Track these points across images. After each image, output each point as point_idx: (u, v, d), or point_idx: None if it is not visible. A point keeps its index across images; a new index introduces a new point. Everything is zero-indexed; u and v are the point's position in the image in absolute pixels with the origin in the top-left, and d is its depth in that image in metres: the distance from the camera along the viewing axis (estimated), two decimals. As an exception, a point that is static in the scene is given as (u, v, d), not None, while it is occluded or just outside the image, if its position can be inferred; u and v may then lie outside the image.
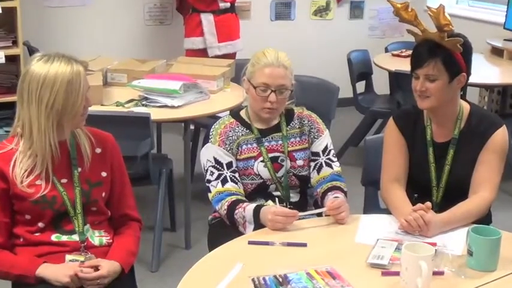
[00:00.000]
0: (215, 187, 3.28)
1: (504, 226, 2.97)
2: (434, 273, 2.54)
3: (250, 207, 3.15)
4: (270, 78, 3.30)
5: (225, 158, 3.31)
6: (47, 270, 2.76)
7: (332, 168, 3.43)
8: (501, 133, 3.23)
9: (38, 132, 2.78)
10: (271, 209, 3.03)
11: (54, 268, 2.77)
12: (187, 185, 4.94)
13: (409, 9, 3.26)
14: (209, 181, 3.31)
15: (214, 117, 4.57)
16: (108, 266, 2.82)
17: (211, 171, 3.31)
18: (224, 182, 3.28)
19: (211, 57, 6.78)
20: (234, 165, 3.33)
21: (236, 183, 3.30)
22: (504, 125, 3.27)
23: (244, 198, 3.27)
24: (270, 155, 3.36)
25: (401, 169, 3.32)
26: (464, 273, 2.61)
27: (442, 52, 3.16)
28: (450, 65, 3.18)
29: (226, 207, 3.22)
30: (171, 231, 5.16)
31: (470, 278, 2.57)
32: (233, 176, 3.30)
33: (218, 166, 3.31)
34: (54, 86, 2.74)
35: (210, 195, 3.31)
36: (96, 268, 2.79)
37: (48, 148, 2.80)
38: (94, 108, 4.38)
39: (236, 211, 3.18)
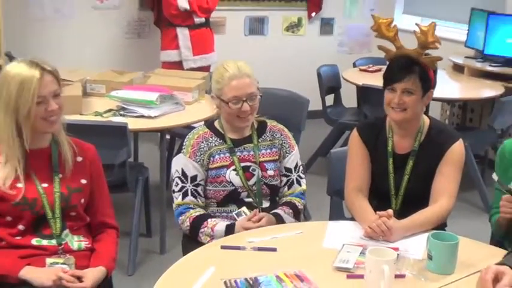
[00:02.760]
0: (176, 199, 3.34)
1: (462, 232, 3.00)
2: (396, 276, 2.57)
3: (220, 227, 3.22)
4: (238, 90, 3.31)
5: (191, 171, 3.34)
6: (30, 273, 2.77)
7: (300, 185, 3.51)
8: (458, 146, 3.30)
9: (1, 131, 2.84)
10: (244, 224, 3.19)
11: (38, 271, 2.78)
12: (162, 193, 4.96)
13: (392, 26, 3.31)
14: (173, 191, 3.37)
15: (189, 128, 4.58)
16: (93, 277, 2.84)
17: (177, 182, 3.35)
18: (184, 195, 3.33)
19: (187, 69, 6.83)
20: (199, 178, 3.35)
21: (195, 197, 3.34)
22: (461, 139, 3.34)
23: (203, 211, 3.34)
24: (242, 164, 3.38)
25: (364, 179, 3.37)
26: (424, 276, 2.65)
27: (419, 68, 3.24)
28: (425, 80, 3.26)
29: (188, 223, 3.29)
30: (146, 237, 5.17)
31: (430, 281, 2.61)
32: (194, 190, 3.34)
33: (183, 178, 3.34)
34: (10, 85, 2.80)
35: (173, 205, 3.38)
36: (79, 278, 2.80)
37: (15, 149, 2.84)
38: (73, 118, 4.42)
39: (202, 229, 3.25)
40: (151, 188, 5.19)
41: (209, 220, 3.27)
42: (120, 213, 4.82)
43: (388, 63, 3.42)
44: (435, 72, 3.33)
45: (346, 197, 3.38)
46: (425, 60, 3.27)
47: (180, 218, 3.33)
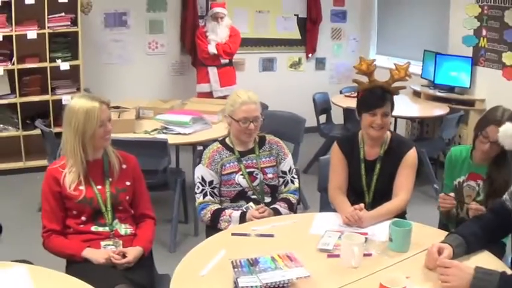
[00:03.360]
0: (198, 199, 3.27)
1: (418, 217, 2.99)
2: (365, 255, 2.51)
3: (236, 214, 3.15)
4: (247, 113, 3.25)
5: (208, 177, 3.27)
6: (89, 253, 2.79)
7: (294, 183, 3.42)
8: (412, 152, 3.22)
9: (70, 149, 2.86)
10: (253, 213, 3.10)
11: (94, 252, 2.80)
12: (195, 190, 4.87)
13: (372, 65, 3.25)
14: (196, 193, 3.29)
15: (215, 141, 4.53)
16: (133, 253, 2.83)
17: (198, 186, 3.28)
18: (204, 195, 3.26)
19: (216, 98, 6.74)
20: (215, 182, 3.28)
21: (213, 197, 3.27)
22: (414, 147, 3.27)
23: (220, 206, 3.26)
24: (248, 170, 3.30)
25: (343, 179, 3.28)
26: (387, 254, 2.57)
27: (389, 95, 3.19)
28: (393, 103, 3.22)
29: (210, 214, 3.21)
30: (184, 223, 5.07)
31: (391, 257, 2.53)
32: (212, 191, 3.27)
33: (203, 183, 3.27)
34: (77, 115, 2.82)
35: (196, 203, 3.30)
36: (124, 255, 2.80)
37: (79, 161, 2.85)
38: (128, 135, 4.42)
39: (222, 217, 3.17)
40: (188, 187, 5.05)
41: (226, 211, 3.21)
42: (164, 206, 4.82)
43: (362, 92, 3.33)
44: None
45: (329, 194, 3.28)
46: (394, 88, 3.20)
47: (202, 212, 3.25)
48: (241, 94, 3.32)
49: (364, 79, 3.31)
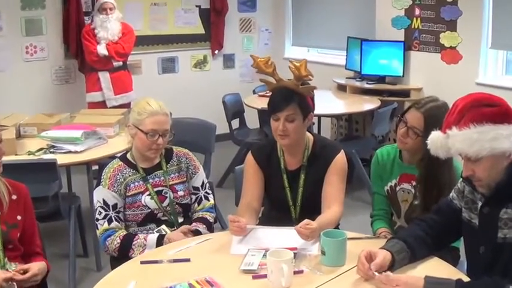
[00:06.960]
0: (102, 225, 3.21)
1: (352, 226, 3.05)
2: (295, 273, 2.55)
3: (152, 237, 3.14)
4: (157, 125, 3.24)
5: (112, 200, 3.23)
6: None
7: (209, 200, 3.45)
8: (340, 157, 3.28)
9: None
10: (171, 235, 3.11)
11: None
12: (94, 216, 4.80)
13: (269, 63, 3.27)
14: (97, 219, 3.23)
15: (113, 158, 4.50)
16: (37, 266, 2.80)
17: (100, 211, 3.23)
18: (110, 221, 3.21)
19: (110, 107, 6.71)
20: (119, 206, 3.25)
21: (119, 222, 3.24)
22: (342, 150, 3.32)
23: (126, 232, 3.24)
24: (155, 189, 3.30)
25: (255, 195, 3.31)
26: (320, 269, 2.62)
27: (297, 97, 3.18)
28: (303, 107, 3.20)
29: (119, 240, 3.17)
30: (84, 257, 5.00)
31: (324, 274, 2.58)
32: (117, 216, 3.24)
33: (105, 207, 3.23)
34: None
35: (97, 232, 3.24)
36: (25, 271, 2.75)
37: None
38: (9, 158, 4.29)
39: (135, 242, 3.14)
40: (85, 214, 5.04)
41: (139, 234, 3.19)
42: (58, 239, 4.76)
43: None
44: (312, 98, 3.32)
45: (238, 212, 3.28)
46: (303, 89, 3.23)
47: (108, 239, 3.20)
48: (151, 102, 3.30)
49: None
